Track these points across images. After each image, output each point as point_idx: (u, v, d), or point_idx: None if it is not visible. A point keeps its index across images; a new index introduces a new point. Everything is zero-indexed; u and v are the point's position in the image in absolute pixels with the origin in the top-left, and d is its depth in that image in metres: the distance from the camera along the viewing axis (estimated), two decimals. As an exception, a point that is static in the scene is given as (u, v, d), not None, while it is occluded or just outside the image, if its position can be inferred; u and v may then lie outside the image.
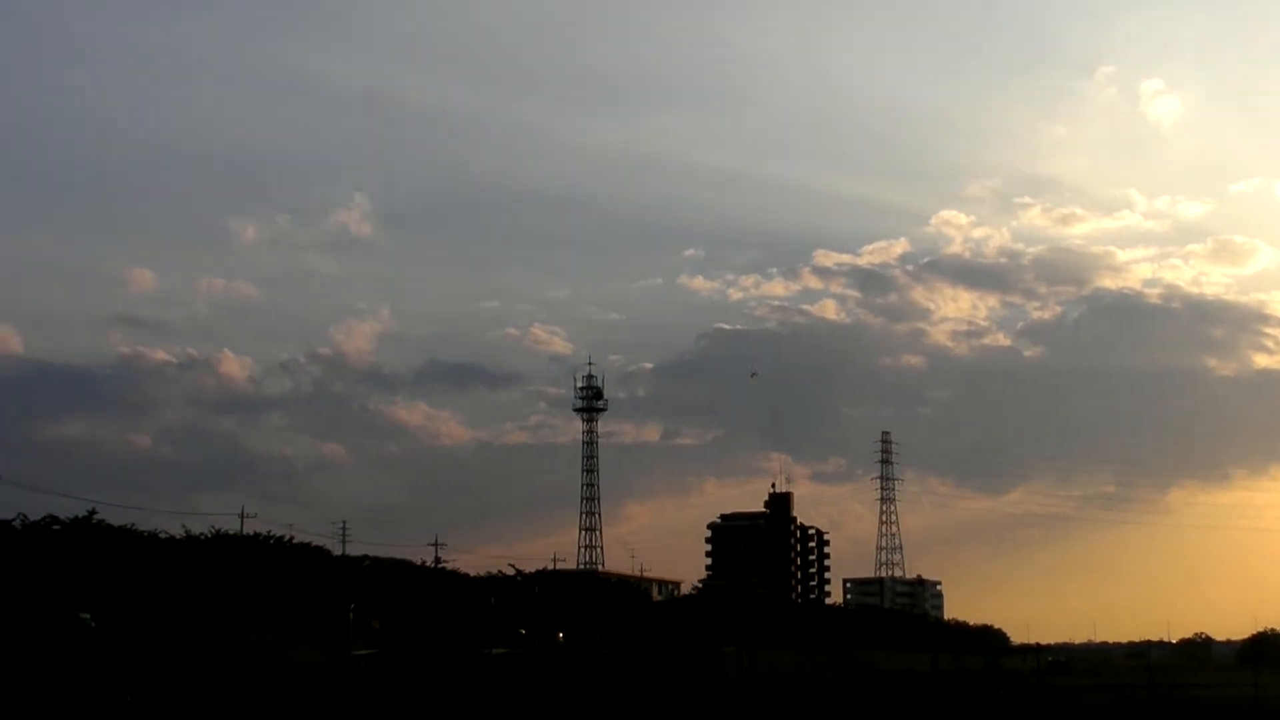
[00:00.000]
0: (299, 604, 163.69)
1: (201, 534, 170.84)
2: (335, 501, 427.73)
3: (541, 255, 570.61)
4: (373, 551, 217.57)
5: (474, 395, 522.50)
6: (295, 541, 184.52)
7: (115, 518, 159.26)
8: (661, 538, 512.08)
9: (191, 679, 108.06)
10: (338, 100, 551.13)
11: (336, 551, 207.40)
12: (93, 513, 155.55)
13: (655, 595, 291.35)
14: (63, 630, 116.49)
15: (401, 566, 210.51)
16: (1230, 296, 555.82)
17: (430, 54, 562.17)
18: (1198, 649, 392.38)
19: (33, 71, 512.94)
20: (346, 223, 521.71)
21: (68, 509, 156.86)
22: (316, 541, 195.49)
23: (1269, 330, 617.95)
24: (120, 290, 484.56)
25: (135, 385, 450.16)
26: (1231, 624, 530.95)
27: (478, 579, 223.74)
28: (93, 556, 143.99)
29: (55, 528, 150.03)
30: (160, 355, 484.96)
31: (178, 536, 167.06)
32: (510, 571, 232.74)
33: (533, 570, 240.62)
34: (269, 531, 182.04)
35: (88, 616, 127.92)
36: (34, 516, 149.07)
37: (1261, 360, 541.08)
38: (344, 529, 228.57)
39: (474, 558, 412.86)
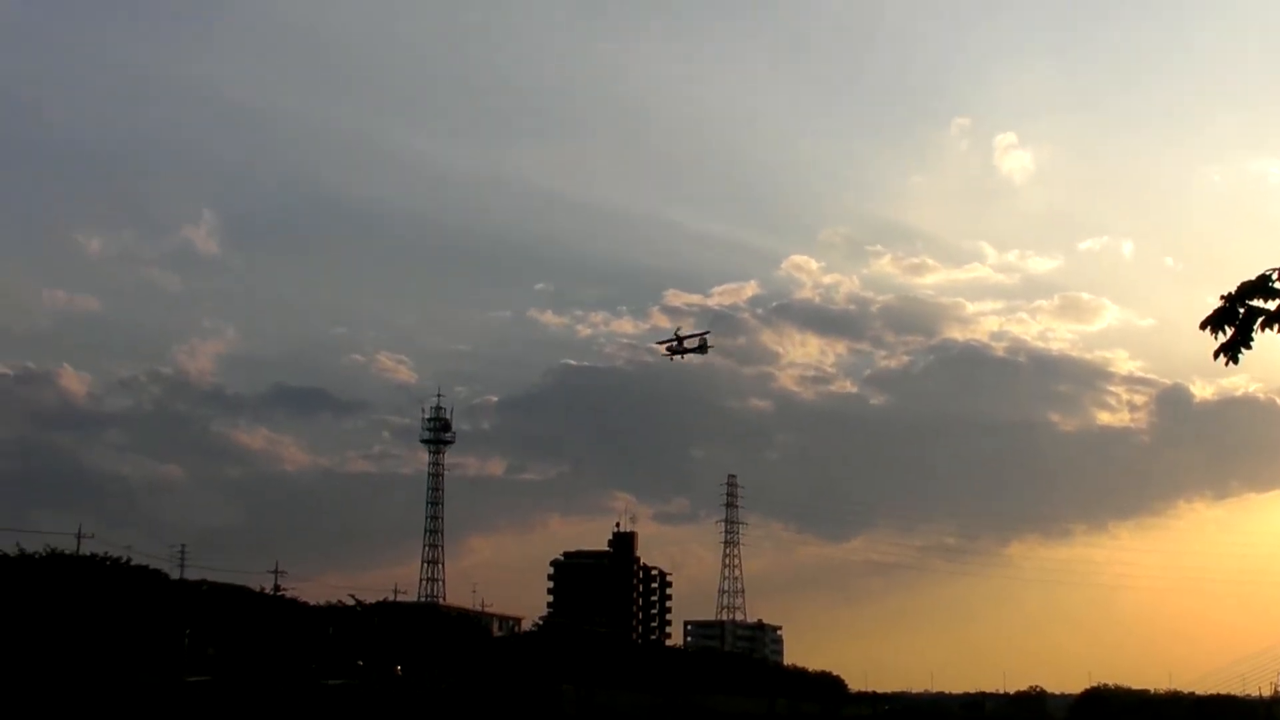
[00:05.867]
0: (134, 628, 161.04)
1: (36, 552, 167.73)
2: (174, 524, 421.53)
3: (392, 281, 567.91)
4: (211, 576, 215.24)
5: (318, 421, 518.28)
6: (132, 564, 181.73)
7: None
8: (504, 573, 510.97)
9: (22, 702, 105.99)
10: (191, 113, 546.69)
11: (174, 575, 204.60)
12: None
13: (496, 631, 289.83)
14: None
15: (240, 592, 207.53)
16: (1075, 353, 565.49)
17: (291, 71, 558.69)
18: (1032, 701, 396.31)
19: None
20: (193, 239, 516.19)
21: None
22: (154, 564, 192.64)
23: (1112, 388, 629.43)
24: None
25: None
26: (1066, 678, 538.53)
27: (317, 608, 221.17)
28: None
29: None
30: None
31: (11, 554, 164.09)
32: (350, 602, 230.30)
33: (373, 601, 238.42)
34: (105, 552, 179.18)
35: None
36: None
37: (1104, 417, 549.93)
38: (182, 552, 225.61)
39: (315, 586, 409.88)
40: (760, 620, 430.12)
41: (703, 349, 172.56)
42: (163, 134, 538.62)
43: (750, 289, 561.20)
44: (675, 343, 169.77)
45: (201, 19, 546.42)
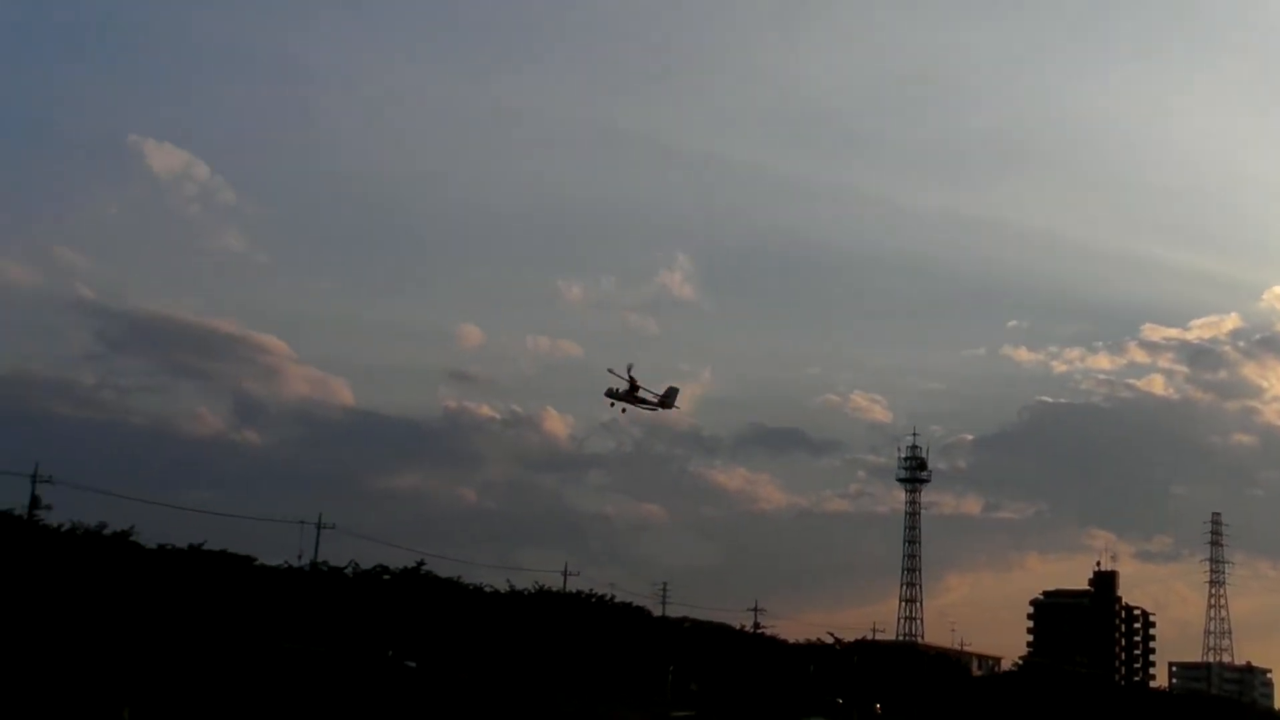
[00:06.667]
0: (618, 663, 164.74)
1: (525, 589, 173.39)
2: (654, 562, 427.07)
3: (863, 321, 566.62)
4: (691, 614, 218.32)
5: (793, 461, 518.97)
6: (616, 600, 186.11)
7: (442, 569, 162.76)
8: (981, 611, 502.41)
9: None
10: (663, 162, 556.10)
11: (656, 612, 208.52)
12: (421, 563, 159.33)
13: (975, 670, 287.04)
14: (388, 675, 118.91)
15: (721, 630, 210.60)
16: None
17: (755, 117, 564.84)
18: None
19: (370, 134, 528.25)
20: (669, 284, 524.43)
21: (396, 558, 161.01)
22: (637, 601, 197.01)
23: None
24: (450, 346, 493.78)
25: (462, 439, 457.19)
26: None
27: (796, 646, 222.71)
28: (419, 606, 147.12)
29: (385, 576, 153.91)
30: (486, 411, 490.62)
31: (502, 590, 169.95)
32: (829, 640, 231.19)
33: (852, 639, 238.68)
34: (591, 590, 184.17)
35: (412, 663, 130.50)
36: (365, 565, 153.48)
37: None
38: (664, 590, 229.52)
39: (793, 624, 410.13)
40: (1249, 662, 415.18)
41: (665, 405, 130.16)
42: (638, 184, 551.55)
43: (1231, 321, 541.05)
44: (628, 386, 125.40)
45: (672, 77, 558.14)
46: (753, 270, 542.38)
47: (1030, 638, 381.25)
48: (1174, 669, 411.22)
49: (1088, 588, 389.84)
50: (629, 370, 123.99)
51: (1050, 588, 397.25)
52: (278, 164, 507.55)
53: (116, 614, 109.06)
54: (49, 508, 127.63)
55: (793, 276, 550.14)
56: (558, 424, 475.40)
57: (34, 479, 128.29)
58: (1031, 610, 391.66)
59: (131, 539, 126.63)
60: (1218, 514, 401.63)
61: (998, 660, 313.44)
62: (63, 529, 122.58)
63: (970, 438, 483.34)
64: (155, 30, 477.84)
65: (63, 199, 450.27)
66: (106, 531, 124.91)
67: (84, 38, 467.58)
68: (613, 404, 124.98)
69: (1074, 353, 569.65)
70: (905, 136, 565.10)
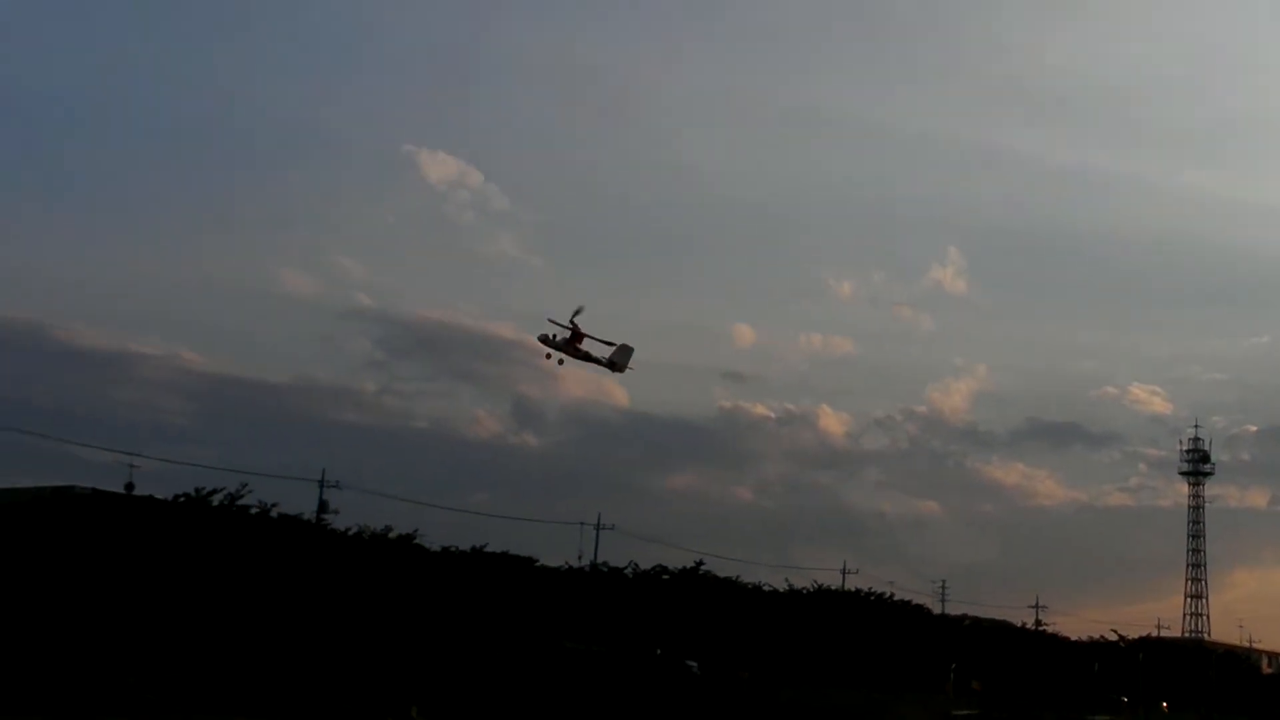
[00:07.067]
0: (899, 661, 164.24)
1: (803, 588, 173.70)
2: (931, 559, 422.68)
3: (1140, 311, 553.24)
4: (970, 611, 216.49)
5: (1071, 455, 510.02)
6: (895, 598, 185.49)
7: (720, 569, 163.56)
8: (1271, 607, 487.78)
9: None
10: (932, 155, 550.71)
11: (936, 610, 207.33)
12: (700, 563, 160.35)
13: (1265, 668, 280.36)
14: (670, 676, 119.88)
15: (1001, 627, 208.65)
16: None
17: (1022, 106, 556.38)
18: None
19: (636, 133, 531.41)
20: (941, 279, 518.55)
21: (675, 558, 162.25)
22: (915, 599, 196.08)
23: None
24: (723, 346, 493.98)
25: (737, 439, 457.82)
26: None
27: (1079, 643, 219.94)
28: (699, 606, 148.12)
29: (665, 577, 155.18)
30: (760, 410, 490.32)
31: (780, 589, 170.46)
32: (1113, 637, 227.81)
33: (1136, 636, 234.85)
34: (869, 588, 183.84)
35: (694, 664, 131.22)
36: (644, 565, 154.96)
37: None
38: (943, 588, 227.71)
39: (1074, 621, 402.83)
40: None
41: (615, 367, 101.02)
42: (906, 178, 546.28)
43: None
44: (570, 335, 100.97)
45: (937, 70, 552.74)
46: (1026, 262, 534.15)
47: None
48: None
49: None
50: (574, 320, 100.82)
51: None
52: (547, 169, 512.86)
53: (404, 615, 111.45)
54: (336, 512, 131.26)
55: (1066, 267, 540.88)
56: (832, 421, 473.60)
57: (321, 484, 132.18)
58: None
59: (416, 542, 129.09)
60: None
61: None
62: (350, 533, 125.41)
63: (1254, 429, 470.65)
64: (426, 40, 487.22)
65: (340, 209, 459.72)
66: (392, 535, 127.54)
67: (360, 49, 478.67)
68: (549, 355, 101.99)
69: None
70: (1179, 120, 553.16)
